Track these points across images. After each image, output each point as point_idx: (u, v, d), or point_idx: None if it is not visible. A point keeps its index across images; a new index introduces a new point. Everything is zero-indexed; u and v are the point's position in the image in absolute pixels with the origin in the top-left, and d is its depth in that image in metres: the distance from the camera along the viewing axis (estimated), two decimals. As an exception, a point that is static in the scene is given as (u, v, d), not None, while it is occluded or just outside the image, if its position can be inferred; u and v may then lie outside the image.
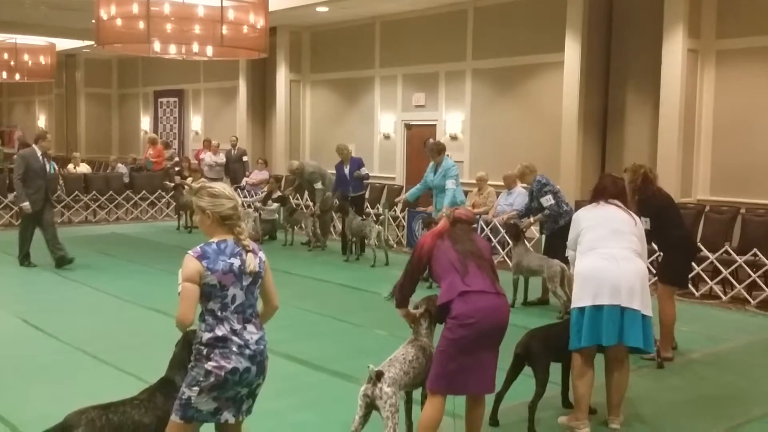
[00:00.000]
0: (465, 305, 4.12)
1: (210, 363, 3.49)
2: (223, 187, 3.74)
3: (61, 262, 10.36)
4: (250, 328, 3.60)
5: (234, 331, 3.54)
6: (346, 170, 12.08)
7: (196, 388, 3.49)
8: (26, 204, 10.22)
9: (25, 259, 10.60)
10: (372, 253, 11.14)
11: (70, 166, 18.12)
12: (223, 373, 3.48)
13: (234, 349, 3.51)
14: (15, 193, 11.01)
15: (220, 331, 3.53)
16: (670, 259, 6.78)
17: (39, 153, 10.31)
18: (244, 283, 3.60)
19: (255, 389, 3.66)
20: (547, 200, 8.53)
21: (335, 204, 12.24)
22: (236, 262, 3.57)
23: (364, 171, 12.21)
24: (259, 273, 3.66)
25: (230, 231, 3.64)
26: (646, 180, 6.67)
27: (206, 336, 3.52)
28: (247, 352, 3.54)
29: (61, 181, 16.47)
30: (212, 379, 3.48)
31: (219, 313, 3.55)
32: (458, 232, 4.42)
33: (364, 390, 4.16)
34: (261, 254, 3.72)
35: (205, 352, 3.51)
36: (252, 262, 3.60)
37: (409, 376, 4.31)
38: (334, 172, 12.39)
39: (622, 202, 5.21)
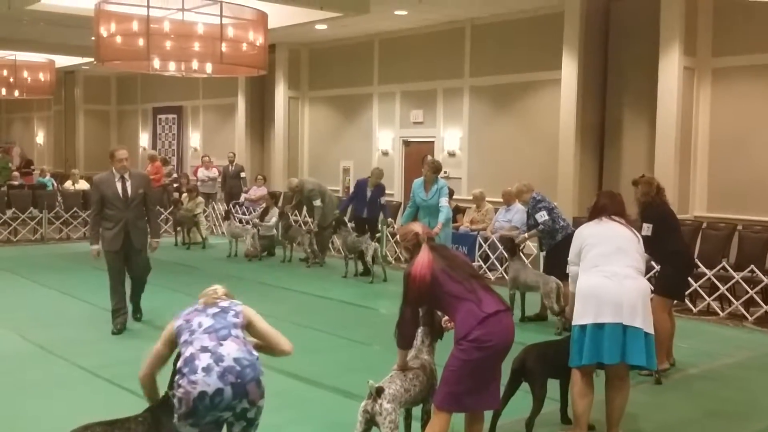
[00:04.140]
0: (484, 329, 4.06)
1: (179, 390, 3.47)
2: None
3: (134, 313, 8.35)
4: (229, 344, 3.57)
5: (204, 348, 3.52)
6: (369, 192, 11.91)
7: (175, 416, 3.50)
8: (94, 247, 7.95)
9: (115, 317, 7.96)
10: (371, 270, 11.13)
11: (69, 183, 18.13)
12: (191, 400, 3.43)
13: (202, 365, 3.46)
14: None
15: (188, 352, 3.53)
16: (667, 270, 6.80)
17: (116, 176, 7.83)
18: (210, 312, 3.71)
19: (243, 413, 3.56)
20: (541, 216, 8.51)
21: (334, 221, 12.18)
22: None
23: (383, 200, 12.12)
24: (226, 308, 3.77)
25: None
26: (660, 191, 6.76)
27: (178, 364, 3.55)
28: (216, 369, 3.46)
29: (59, 198, 16.48)
30: (183, 407, 3.46)
31: (188, 337, 3.60)
32: (441, 253, 4.32)
33: (364, 406, 4.16)
34: (237, 308, 3.82)
35: (176, 379, 3.51)
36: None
37: (410, 393, 4.30)
38: (351, 187, 12.20)
39: (623, 218, 5.22)
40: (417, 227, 4.46)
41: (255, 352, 3.65)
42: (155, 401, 3.80)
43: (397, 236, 4.87)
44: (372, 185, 11.93)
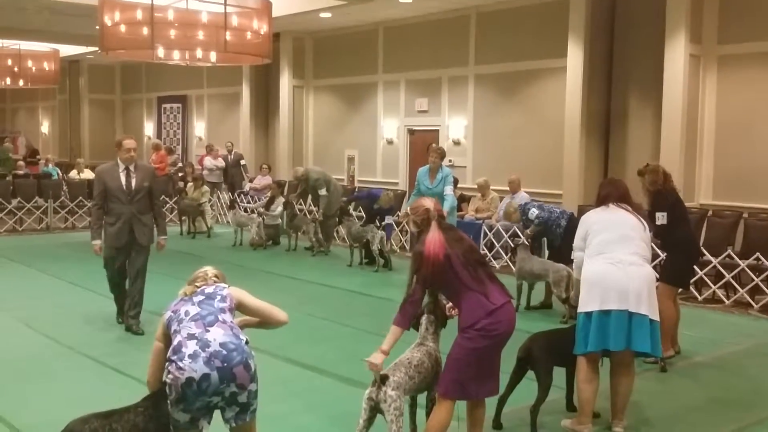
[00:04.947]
0: (491, 318, 4.09)
1: (169, 377, 3.49)
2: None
3: (129, 329, 7.49)
4: (215, 330, 3.57)
5: (191, 336, 3.54)
6: (376, 206, 11.95)
7: (169, 402, 3.53)
8: (96, 242, 7.50)
9: (120, 317, 7.74)
10: (377, 259, 11.14)
11: (74, 173, 18.16)
12: (179, 386, 3.45)
13: (189, 352, 3.47)
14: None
15: (176, 340, 3.56)
16: (673, 258, 6.81)
17: (121, 167, 7.35)
18: (195, 300, 3.72)
19: (234, 397, 3.54)
20: (533, 213, 8.92)
21: (339, 211, 12.17)
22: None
23: (389, 220, 12.06)
24: (212, 294, 3.76)
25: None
26: (667, 177, 6.75)
27: (168, 353, 3.58)
28: (202, 354, 3.46)
29: (65, 188, 16.51)
30: (174, 393, 3.48)
31: (177, 327, 3.62)
32: (450, 235, 4.27)
33: (368, 393, 4.17)
34: (223, 292, 3.81)
35: (167, 366, 3.54)
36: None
37: (414, 381, 4.31)
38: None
39: (628, 204, 5.21)
40: (428, 203, 4.39)
41: (243, 336, 3.63)
42: (156, 390, 3.81)
43: (408, 210, 4.79)
44: (382, 205, 11.95)
